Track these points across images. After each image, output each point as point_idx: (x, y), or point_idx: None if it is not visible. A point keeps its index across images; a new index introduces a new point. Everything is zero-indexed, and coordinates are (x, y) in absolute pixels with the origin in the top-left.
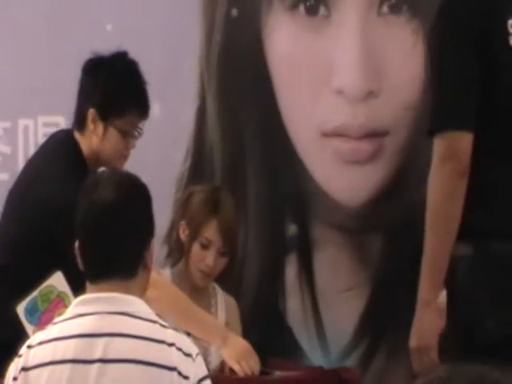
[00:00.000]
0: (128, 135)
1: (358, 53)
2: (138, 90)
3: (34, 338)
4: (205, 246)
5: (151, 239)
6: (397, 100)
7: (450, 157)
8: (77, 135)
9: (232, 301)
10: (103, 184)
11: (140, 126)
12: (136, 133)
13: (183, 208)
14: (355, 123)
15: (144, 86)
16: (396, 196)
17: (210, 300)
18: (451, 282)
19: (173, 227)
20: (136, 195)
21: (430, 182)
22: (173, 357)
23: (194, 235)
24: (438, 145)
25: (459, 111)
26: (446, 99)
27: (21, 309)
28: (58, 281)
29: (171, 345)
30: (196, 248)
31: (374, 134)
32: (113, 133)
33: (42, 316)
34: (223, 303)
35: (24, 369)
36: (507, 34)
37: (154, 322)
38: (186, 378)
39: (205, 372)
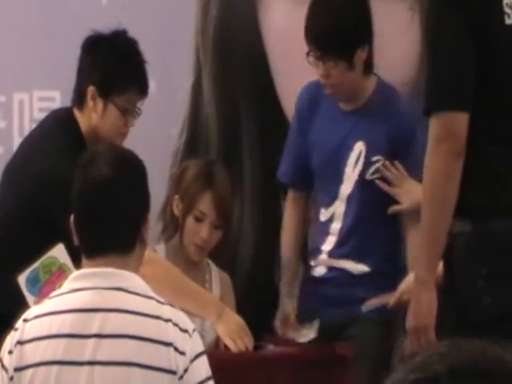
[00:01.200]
0: (127, 113)
1: None
2: (138, 68)
3: (30, 311)
4: (199, 219)
5: (147, 214)
6: (393, 76)
7: (445, 137)
8: (76, 113)
9: (226, 276)
10: (99, 159)
11: (139, 105)
12: (135, 112)
13: (177, 182)
14: None
15: (143, 64)
16: None
17: (205, 275)
18: (449, 258)
19: (168, 202)
20: (132, 170)
21: (426, 162)
22: (169, 332)
23: (188, 208)
24: (434, 125)
25: (455, 91)
26: (441, 79)
27: (22, 279)
28: (59, 253)
29: (167, 320)
30: (190, 221)
31: None
32: (112, 110)
33: (44, 287)
34: (217, 278)
35: (19, 342)
36: (503, 12)
37: (151, 297)
38: (182, 353)
39: (201, 348)
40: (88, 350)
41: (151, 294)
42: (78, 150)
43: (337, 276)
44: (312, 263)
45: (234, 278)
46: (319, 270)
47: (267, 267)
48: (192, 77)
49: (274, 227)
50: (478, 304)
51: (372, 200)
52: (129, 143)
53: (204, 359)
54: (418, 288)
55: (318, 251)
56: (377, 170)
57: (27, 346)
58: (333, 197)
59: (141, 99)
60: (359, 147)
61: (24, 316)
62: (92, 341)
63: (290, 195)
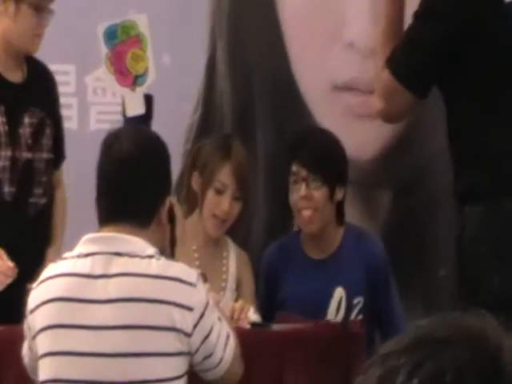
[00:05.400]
0: (41, 10)
1: (369, 5)
2: None
3: (45, 272)
4: (219, 191)
5: (167, 196)
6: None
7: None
8: None
9: (244, 256)
10: (123, 137)
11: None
12: (48, 8)
13: (194, 159)
14: (366, 77)
15: None
16: (405, 151)
17: (223, 252)
18: (460, 237)
19: (182, 178)
20: (154, 151)
21: None
22: (171, 290)
23: (209, 181)
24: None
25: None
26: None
27: (101, 29)
28: (142, 22)
29: (170, 278)
30: (211, 194)
31: None
32: (25, 10)
33: (118, 45)
34: (234, 256)
35: (36, 306)
36: None
37: (151, 256)
38: (189, 309)
39: (206, 298)
40: (90, 314)
41: (152, 253)
42: None
43: None
44: None
45: (248, 254)
46: None
47: None
48: (207, 53)
49: (287, 204)
50: (486, 284)
51: None
52: None
53: (211, 309)
54: None
55: None
56: (359, 312)
57: (39, 309)
58: None
59: None
60: (339, 293)
61: (40, 277)
62: (94, 305)
63: None
